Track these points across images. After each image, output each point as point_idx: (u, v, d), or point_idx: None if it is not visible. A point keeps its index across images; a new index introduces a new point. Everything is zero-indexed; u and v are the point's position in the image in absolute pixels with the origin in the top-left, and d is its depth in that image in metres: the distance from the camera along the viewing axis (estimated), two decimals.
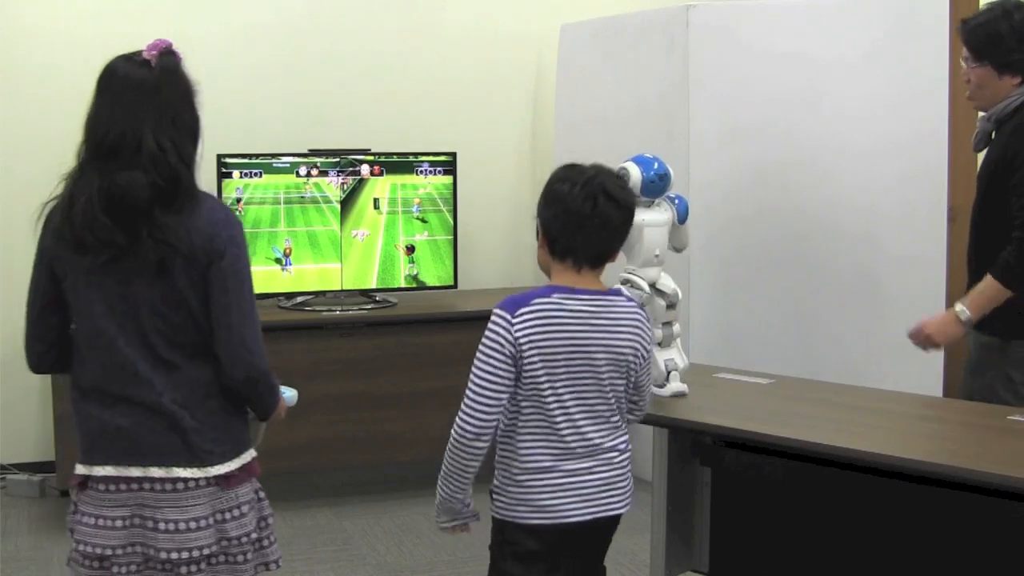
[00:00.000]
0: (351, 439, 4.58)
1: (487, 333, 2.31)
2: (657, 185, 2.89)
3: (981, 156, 3.28)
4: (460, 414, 2.31)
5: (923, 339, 3.16)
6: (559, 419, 2.33)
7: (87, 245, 2.12)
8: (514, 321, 2.28)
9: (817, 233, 4.32)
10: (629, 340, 2.38)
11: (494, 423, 2.31)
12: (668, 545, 3.15)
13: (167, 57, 2.16)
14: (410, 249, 4.81)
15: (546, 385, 2.31)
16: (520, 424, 2.34)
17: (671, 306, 2.95)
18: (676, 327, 3.00)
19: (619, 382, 2.39)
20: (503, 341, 2.28)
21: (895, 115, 4.31)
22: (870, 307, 4.36)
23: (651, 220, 2.90)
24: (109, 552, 2.18)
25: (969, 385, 3.19)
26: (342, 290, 4.76)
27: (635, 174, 2.86)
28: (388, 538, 4.26)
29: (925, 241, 4.34)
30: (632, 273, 2.91)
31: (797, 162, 4.31)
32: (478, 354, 2.31)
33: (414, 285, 4.84)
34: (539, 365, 2.29)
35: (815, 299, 4.37)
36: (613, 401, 2.39)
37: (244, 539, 2.24)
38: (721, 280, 4.37)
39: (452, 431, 2.32)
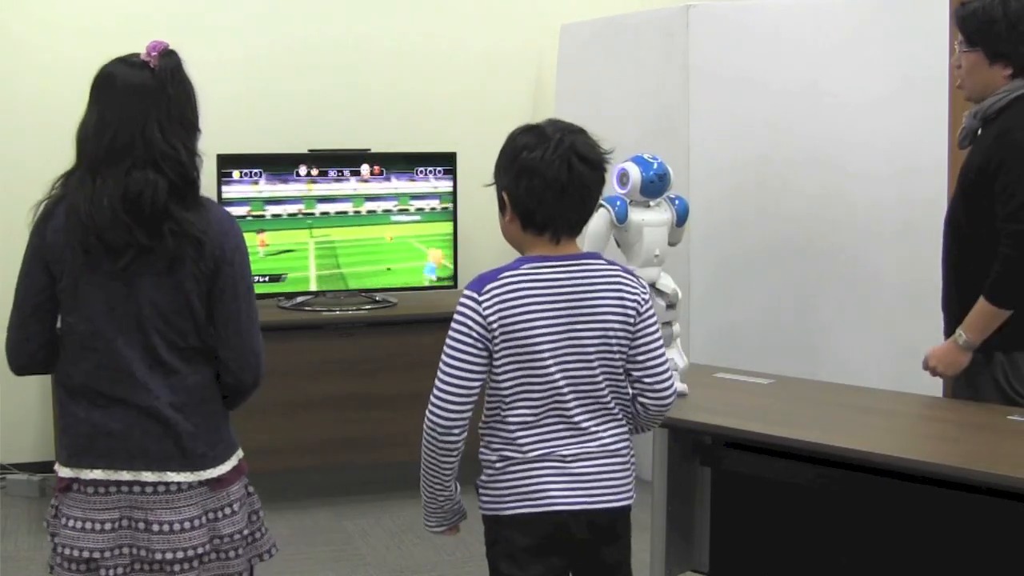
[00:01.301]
0: (351, 439, 4.58)
1: (455, 316, 2.17)
2: (656, 185, 2.89)
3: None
4: (429, 408, 2.17)
5: (931, 372, 3.11)
6: (544, 402, 2.18)
7: (114, 248, 2.11)
8: (481, 299, 2.15)
9: (817, 233, 4.32)
10: (610, 305, 2.19)
11: (467, 415, 2.16)
12: (668, 545, 3.15)
13: (168, 58, 2.17)
14: (411, 249, 4.82)
15: (527, 365, 2.16)
16: (503, 409, 2.19)
17: (671, 306, 2.95)
18: (676, 327, 3.00)
19: (612, 356, 2.20)
20: (471, 323, 2.15)
21: (895, 115, 4.31)
22: (870, 307, 4.36)
23: (651, 220, 2.90)
24: (97, 555, 2.16)
25: (961, 395, 3.17)
26: (342, 290, 4.77)
27: (634, 174, 2.86)
28: (388, 538, 4.26)
29: (925, 241, 4.33)
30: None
31: (797, 162, 4.31)
32: (447, 340, 2.18)
33: (414, 285, 4.84)
34: (516, 344, 2.15)
35: (815, 299, 4.37)
36: (603, 381, 2.21)
37: (236, 536, 2.24)
38: (721, 280, 4.36)
39: (424, 426, 2.18)
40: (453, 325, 2.17)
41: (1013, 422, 2.74)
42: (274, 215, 4.61)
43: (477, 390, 2.17)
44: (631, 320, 2.21)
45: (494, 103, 5.34)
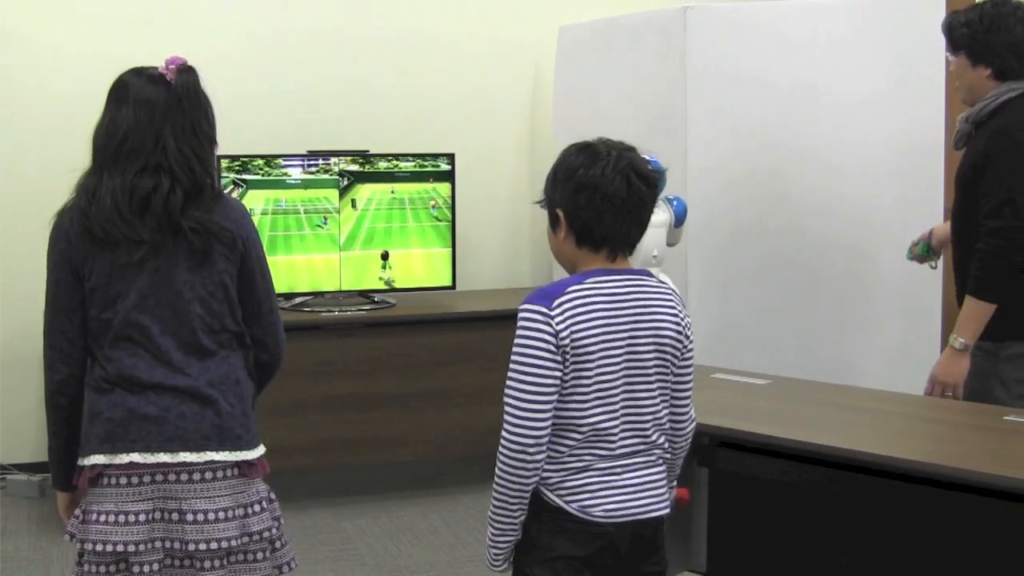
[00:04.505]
0: (351, 439, 4.59)
1: (522, 332, 2.09)
2: None
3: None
4: (505, 432, 2.09)
5: (939, 387, 3.11)
6: (601, 416, 2.13)
7: (116, 240, 2.17)
8: (553, 313, 2.08)
9: (815, 233, 4.33)
10: (667, 321, 2.18)
11: (547, 430, 2.09)
12: (666, 545, 3.15)
13: (186, 74, 2.25)
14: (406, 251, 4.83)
15: (594, 378, 2.11)
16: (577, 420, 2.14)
17: None
18: None
19: (665, 373, 2.20)
20: (546, 336, 2.06)
21: (892, 116, 4.32)
22: (868, 307, 4.37)
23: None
24: (132, 549, 2.16)
25: (967, 387, 3.19)
26: (341, 291, 4.77)
27: None
28: (387, 538, 4.26)
29: None
30: None
31: (795, 163, 4.32)
32: (515, 358, 2.09)
33: (413, 285, 4.84)
34: (587, 358, 2.10)
35: (813, 299, 4.37)
36: (658, 394, 2.19)
37: (265, 534, 2.27)
38: (719, 280, 4.37)
39: (498, 456, 2.10)
40: (522, 341, 2.09)
41: (1010, 422, 2.75)
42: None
43: (555, 401, 2.09)
44: (683, 341, 2.22)
45: (493, 104, 5.35)
